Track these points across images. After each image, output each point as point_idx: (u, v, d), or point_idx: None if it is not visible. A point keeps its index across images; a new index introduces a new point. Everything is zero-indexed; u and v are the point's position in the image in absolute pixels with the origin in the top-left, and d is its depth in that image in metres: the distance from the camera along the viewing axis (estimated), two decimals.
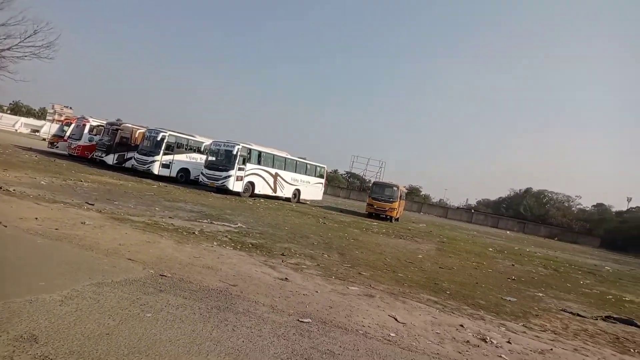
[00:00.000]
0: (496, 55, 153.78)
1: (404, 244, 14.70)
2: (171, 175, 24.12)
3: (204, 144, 25.60)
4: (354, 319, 5.15)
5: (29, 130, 79.95)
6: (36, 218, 7.38)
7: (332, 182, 70.92)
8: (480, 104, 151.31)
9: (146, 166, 23.47)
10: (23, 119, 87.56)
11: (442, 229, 29.82)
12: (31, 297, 3.95)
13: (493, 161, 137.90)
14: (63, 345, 3.15)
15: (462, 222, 54.26)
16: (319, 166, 30.27)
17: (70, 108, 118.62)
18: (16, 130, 72.50)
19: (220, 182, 21.90)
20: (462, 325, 5.74)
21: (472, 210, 68.84)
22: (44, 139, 60.95)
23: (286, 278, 6.54)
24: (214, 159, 23.02)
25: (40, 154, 26.62)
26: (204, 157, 24.54)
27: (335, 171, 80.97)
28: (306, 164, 28.80)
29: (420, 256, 12.21)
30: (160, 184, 20.99)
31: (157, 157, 23.37)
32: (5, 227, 6.37)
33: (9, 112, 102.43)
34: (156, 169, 23.36)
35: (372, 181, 42.91)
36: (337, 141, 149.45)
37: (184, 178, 24.89)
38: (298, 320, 4.74)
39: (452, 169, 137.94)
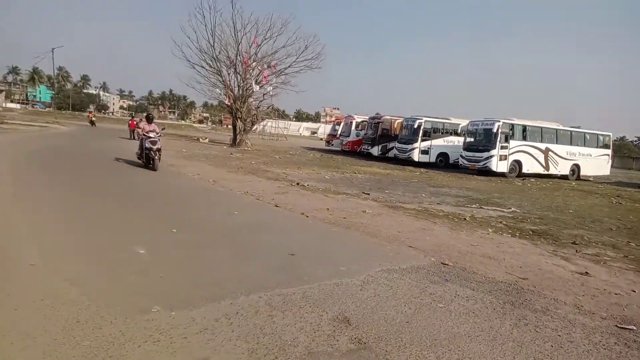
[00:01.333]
0: None
1: None
2: (430, 160, 24.48)
3: (461, 126, 24.90)
4: None
5: (309, 132, 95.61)
6: (327, 209, 8.51)
7: (620, 151, 57.95)
8: None
9: (406, 154, 24.57)
10: (304, 124, 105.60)
11: None
12: (337, 280, 4.38)
13: None
14: (371, 330, 3.32)
15: None
16: (602, 134, 25.01)
17: (338, 109, 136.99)
18: (300, 134, 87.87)
19: (481, 163, 20.84)
20: None
21: None
22: (321, 139, 72.11)
23: (586, 272, 5.49)
24: (472, 139, 22.10)
25: (320, 152, 31.42)
26: (461, 139, 23.87)
27: (622, 138, 65.94)
28: (584, 133, 24.24)
29: None
30: (422, 170, 21.54)
31: (416, 145, 24.13)
32: (307, 217, 7.58)
33: (294, 119, 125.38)
34: (416, 155, 24.15)
35: None
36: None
37: (443, 162, 24.86)
38: (617, 326, 3.84)
39: None
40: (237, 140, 28.78)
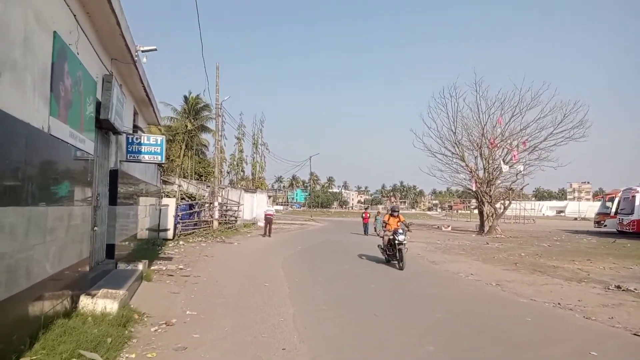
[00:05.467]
0: None
1: None
2: None
3: None
4: None
5: (554, 212, 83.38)
6: None
7: None
8: None
9: None
10: (546, 203, 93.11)
11: None
12: None
13: None
14: None
15: None
16: None
17: (589, 183, 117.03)
18: (543, 214, 77.35)
19: None
20: None
21: None
22: (575, 219, 61.39)
23: None
24: None
25: (591, 235, 25.72)
26: None
27: None
28: None
29: None
30: None
31: None
32: None
33: (533, 198, 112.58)
34: None
35: None
36: None
37: None
38: None
39: None
40: (486, 227, 26.26)
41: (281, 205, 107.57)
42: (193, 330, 5.47)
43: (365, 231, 24.42)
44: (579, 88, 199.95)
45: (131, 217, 10.63)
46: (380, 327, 5.85)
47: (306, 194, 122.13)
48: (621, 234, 25.63)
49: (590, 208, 70.97)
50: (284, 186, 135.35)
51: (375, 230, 23.35)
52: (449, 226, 33.09)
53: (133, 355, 4.51)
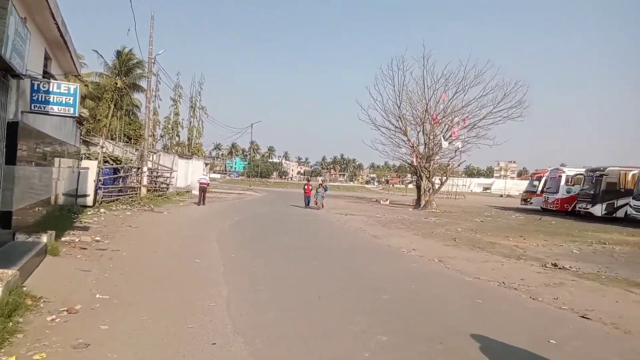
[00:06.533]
0: None
1: None
2: None
3: None
4: None
5: (482, 188, 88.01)
6: None
7: None
8: None
9: None
10: (475, 180, 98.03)
11: None
12: None
13: None
14: None
15: None
16: None
17: (514, 162, 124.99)
18: (471, 190, 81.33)
19: None
20: None
21: None
22: (501, 196, 65.20)
23: None
24: None
25: (519, 212, 27.06)
26: None
27: None
28: None
29: None
30: None
31: None
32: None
33: (464, 175, 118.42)
34: None
35: None
36: None
37: None
38: None
39: None
40: (423, 202, 26.73)
41: (219, 173, 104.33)
42: (102, 319, 4.48)
43: (306, 203, 23.69)
44: (521, 69, 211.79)
45: (38, 179, 9.09)
46: (325, 312, 5.19)
47: (245, 163, 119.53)
48: (545, 211, 27.24)
49: (515, 186, 75.93)
50: (222, 154, 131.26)
51: (317, 204, 22.80)
52: (387, 200, 33.46)
53: (12, 359, 3.49)
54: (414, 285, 6.76)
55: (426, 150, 26.72)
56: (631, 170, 21.71)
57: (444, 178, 28.21)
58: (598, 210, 22.48)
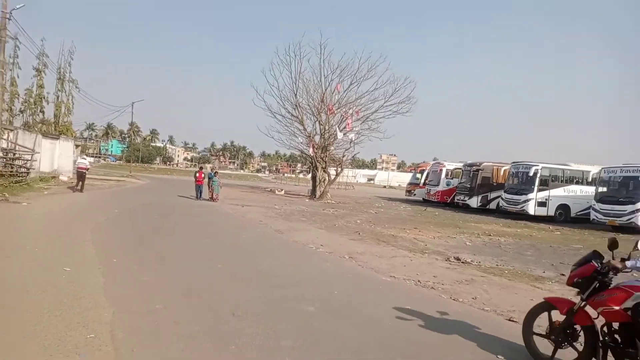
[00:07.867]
0: None
1: None
2: (548, 213, 20.91)
3: (591, 173, 21.30)
4: None
5: (366, 179, 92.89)
6: None
7: None
8: None
9: (519, 206, 21.22)
10: (360, 171, 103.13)
11: None
12: None
13: None
14: None
15: None
16: None
17: (395, 155, 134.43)
18: (357, 181, 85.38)
19: (625, 218, 17.13)
20: None
21: None
22: (384, 187, 69.38)
23: None
24: (607, 189, 18.57)
25: (405, 203, 28.65)
26: (585, 188, 20.79)
27: None
28: None
29: None
30: (552, 227, 18.04)
31: (531, 195, 20.80)
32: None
33: (351, 166, 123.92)
34: (531, 208, 20.77)
35: None
36: None
37: (563, 216, 21.17)
38: None
39: None
40: (318, 192, 26.72)
41: (92, 157, 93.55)
42: None
43: (198, 195, 20.92)
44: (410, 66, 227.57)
45: None
46: (248, 337, 4.15)
47: (124, 146, 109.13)
48: (426, 202, 29.25)
49: (395, 177, 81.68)
50: (96, 135, 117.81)
51: (213, 196, 20.64)
52: (282, 190, 32.91)
53: None
54: (336, 290, 6.12)
55: (322, 140, 26.71)
56: (503, 166, 24.20)
57: (339, 169, 28.56)
58: (474, 202, 24.72)
